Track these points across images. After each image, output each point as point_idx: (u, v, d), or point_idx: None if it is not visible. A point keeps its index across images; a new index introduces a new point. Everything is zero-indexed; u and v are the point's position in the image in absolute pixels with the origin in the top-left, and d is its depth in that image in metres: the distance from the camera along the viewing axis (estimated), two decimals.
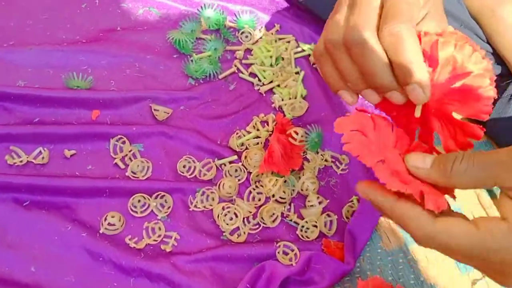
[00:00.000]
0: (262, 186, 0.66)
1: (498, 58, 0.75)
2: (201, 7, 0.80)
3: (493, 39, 0.73)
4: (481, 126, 0.38)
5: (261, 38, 0.79)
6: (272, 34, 0.80)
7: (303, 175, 0.67)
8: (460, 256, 0.36)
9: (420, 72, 0.38)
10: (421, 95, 0.38)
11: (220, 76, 0.76)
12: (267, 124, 0.72)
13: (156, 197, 0.64)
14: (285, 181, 0.67)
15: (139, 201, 0.64)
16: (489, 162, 0.35)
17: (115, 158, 0.66)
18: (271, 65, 0.77)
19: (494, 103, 0.74)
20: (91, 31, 0.76)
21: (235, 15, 0.81)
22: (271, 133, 0.71)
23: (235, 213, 0.64)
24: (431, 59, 0.39)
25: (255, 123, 0.72)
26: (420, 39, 0.39)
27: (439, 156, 0.38)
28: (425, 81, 0.38)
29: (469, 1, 0.75)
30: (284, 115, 0.73)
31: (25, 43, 0.72)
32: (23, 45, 0.72)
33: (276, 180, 0.65)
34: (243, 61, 0.77)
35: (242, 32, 0.80)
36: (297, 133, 0.69)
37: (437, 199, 0.36)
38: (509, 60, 0.72)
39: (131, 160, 0.67)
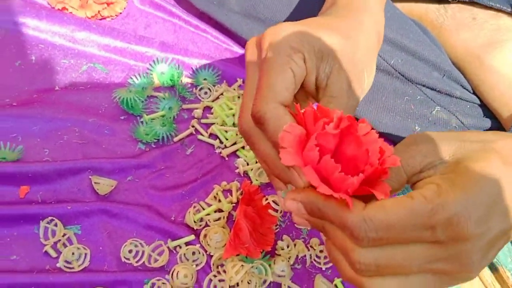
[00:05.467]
0: (224, 272, 0.55)
1: (486, 110, 0.67)
2: (154, 61, 0.71)
3: (481, 90, 0.66)
4: None
5: (222, 94, 0.70)
6: (234, 89, 0.71)
7: (274, 263, 0.56)
8: (403, 234, 0.30)
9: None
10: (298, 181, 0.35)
11: (175, 139, 0.66)
12: (230, 194, 0.62)
13: None
14: (252, 266, 0.56)
15: None
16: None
17: (45, 245, 0.55)
18: (233, 125, 0.67)
19: None
20: (24, 92, 0.66)
21: (192, 70, 0.72)
22: (234, 204, 0.61)
23: None
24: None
25: (216, 193, 0.62)
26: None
27: None
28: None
29: (451, 47, 0.67)
30: (251, 182, 0.63)
31: None
32: None
33: (242, 266, 0.54)
34: (202, 121, 0.68)
35: (201, 88, 0.70)
36: (277, 203, 0.59)
37: (380, 186, 0.32)
38: (501, 114, 0.64)
39: (65, 247, 0.55)
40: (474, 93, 0.66)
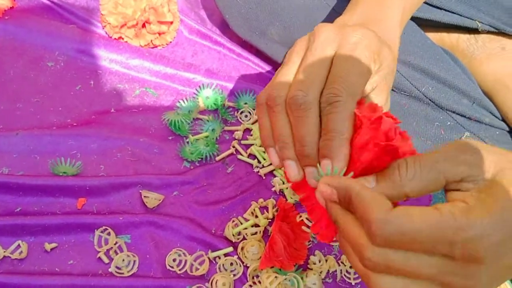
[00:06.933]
0: (260, 283, 0.59)
1: None
2: (200, 86, 0.77)
3: (510, 117, 0.68)
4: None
5: None
6: None
7: (306, 276, 0.60)
8: (421, 244, 0.32)
9: (341, 148, 0.38)
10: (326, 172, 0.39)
11: (217, 158, 0.71)
12: (267, 211, 0.67)
13: None
14: (285, 278, 0.60)
15: None
16: (435, 160, 0.35)
17: (99, 252, 0.61)
18: None
19: None
20: (84, 114, 0.73)
21: (234, 95, 0.77)
22: (270, 220, 0.65)
23: None
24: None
25: (254, 209, 0.67)
26: (360, 106, 0.40)
27: (380, 172, 0.37)
28: (342, 158, 0.38)
29: (481, 76, 0.70)
30: (287, 200, 0.67)
31: (13, 127, 0.69)
32: (11, 130, 0.68)
33: (276, 277, 0.58)
34: (242, 142, 0.73)
35: (242, 112, 0.76)
36: (311, 221, 0.63)
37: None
38: None
39: (116, 254, 0.61)
40: (503, 120, 0.69)
